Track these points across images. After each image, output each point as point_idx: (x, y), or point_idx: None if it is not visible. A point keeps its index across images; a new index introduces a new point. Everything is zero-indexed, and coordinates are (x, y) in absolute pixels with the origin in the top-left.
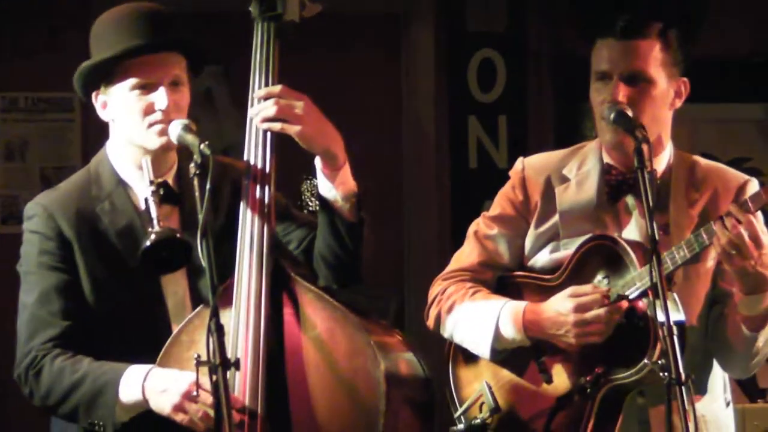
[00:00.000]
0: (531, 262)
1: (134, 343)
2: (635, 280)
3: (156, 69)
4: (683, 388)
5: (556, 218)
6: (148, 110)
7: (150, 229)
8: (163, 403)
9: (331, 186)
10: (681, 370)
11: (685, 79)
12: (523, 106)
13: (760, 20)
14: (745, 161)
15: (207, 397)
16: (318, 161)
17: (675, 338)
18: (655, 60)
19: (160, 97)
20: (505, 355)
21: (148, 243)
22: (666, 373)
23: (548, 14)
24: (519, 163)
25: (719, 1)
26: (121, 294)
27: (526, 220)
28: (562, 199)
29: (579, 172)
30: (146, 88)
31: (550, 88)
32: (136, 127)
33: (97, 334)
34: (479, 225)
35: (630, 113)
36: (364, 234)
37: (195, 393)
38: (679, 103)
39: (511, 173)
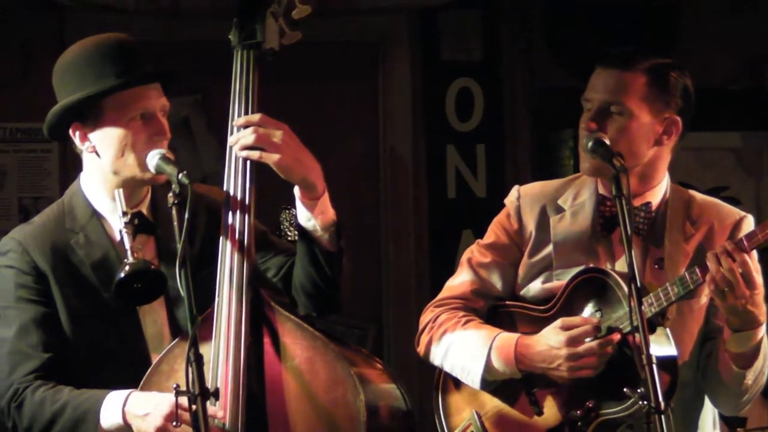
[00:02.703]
0: (523, 291)
1: (114, 374)
2: (628, 315)
3: (149, 99)
4: (663, 417)
5: (550, 248)
6: (147, 140)
7: (124, 261)
8: (146, 427)
9: (310, 215)
10: (660, 398)
11: (677, 117)
12: (500, 134)
13: (738, 48)
14: (723, 190)
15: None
16: (297, 190)
17: (654, 367)
18: (635, 93)
19: (160, 127)
20: (495, 385)
21: (121, 275)
22: (645, 402)
23: (523, 42)
24: (515, 191)
25: (696, 30)
26: (99, 325)
27: (519, 248)
28: (557, 230)
29: (574, 202)
30: (141, 119)
31: (527, 116)
32: (129, 160)
33: (76, 366)
34: (473, 252)
35: (607, 141)
36: (343, 263)
37: (176, 416)
38: (668, 141)
39: (506, 201)
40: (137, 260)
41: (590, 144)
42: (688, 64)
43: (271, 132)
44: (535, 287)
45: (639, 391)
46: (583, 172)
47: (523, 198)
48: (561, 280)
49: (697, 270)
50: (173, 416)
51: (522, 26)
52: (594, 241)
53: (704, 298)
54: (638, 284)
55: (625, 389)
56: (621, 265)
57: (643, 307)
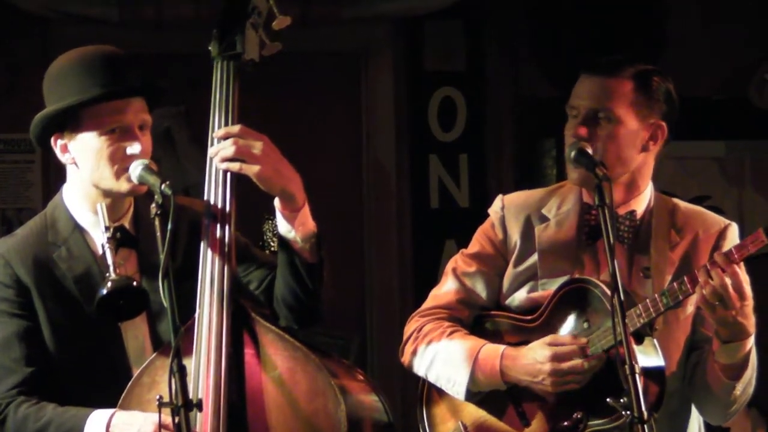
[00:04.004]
0: (508, 301)
1: (96, 387)
2: (617, 327)
3: (126, 114)
4: (646, 426)
5: (534, 258)
6: (120, 155)
7: (106, 276)
8: None
9: (290, 227)
10: (643, 408)
11: (662, 122)
12: (483, 144)
13: (721, 58)
14: (706, 199)
15: None
16: (277, 202)
17: (637, 377)
18: (623, 99)
19: (133, 143)
20: (480, 396)
21: (104, 291)
22: (628, 412)
23: (507, 52)
24: (498, 200)
25: (679, 40)
26: (81, 339)
27: (504, 258)
28: (542, 239)
29: (558, 211)
30: (117, 132)
31: (510, 125)
32: (105, 172)
33: (59, 379)
34: (457, 262)
35: (590, 151)
36: (324, 274)
37: None
38: (654, 147)
39: (490, 211)
40: (120, 276)
41: (573, 153)
42: (672, 74)
43: (250, 143)
44: (520, 297)
45: (622, 401)
46: (572, 182)
47: (508, 208)
48: (546, 289)
49: (686, 280)
50: None
51: (506, 36)
52: (579, 250)
53: (690, 308)
54: (621, 296)
55: (608, 399)
56: (607, 274)
57: (631, 318)
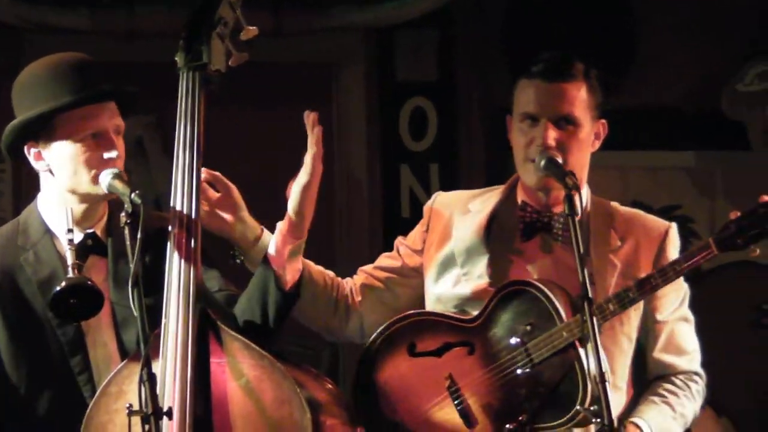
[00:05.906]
0: (437, 294)
1: (56, 396)
2: (562, 331)
3: (101, 119)
4: None
5: (452, 244)
6: (97, 160)
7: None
8: None
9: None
10: (612, 416)
11: (603, 120)
12: (454, 154)
13: (691, 69)
14: (676, 209)
15: None
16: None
17: (607, 385)
18: (581, 103)
19: (110, 149)
20: None
21: (57, 289)
22: (599, 419)
23: (478, 62)
24: (434, 196)
25: (651, 50)
26: (40, 347)
27: (420, 252)
28: (458, 228)
29: (482, 206)
30: (92, 138)
31: (481, 135)
32: (83, 177)
33: (19, 387)
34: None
35: (560, 160)
36: (290, 312)
37: None
38: (597, 145)
39: (424, 206)
40: (76, 276)
41: (543, 162)
42: (643, 84)
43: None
44: (447, 291)
45: (592, 408)
46: (531, 186)
47: (437, 203)
48: (469, 282)
49: (634, 288)
50: None
51: (477, 46)
52: (504, 243)
53: (633, 312)
54: (592, 304)
55: (577, 407)
56: (542, 269)
57: (577, 323)
